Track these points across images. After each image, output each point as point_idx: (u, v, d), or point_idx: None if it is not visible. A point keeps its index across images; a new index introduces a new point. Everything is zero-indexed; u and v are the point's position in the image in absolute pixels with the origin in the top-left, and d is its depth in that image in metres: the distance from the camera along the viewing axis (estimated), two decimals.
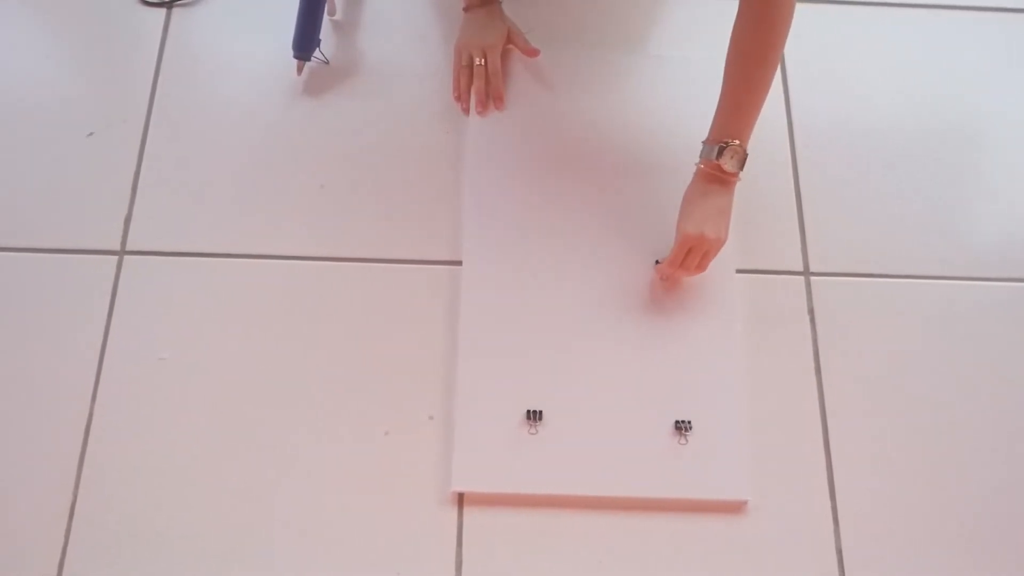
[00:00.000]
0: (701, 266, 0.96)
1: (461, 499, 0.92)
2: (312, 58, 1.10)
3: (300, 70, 1.10)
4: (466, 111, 1.09)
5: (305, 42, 1.09)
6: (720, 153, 0.92)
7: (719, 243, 0.94)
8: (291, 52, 1.09)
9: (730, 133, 0.92)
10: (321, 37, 1.10)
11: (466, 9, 1.10)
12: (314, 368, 0.97)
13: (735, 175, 0.93)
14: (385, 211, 1.05)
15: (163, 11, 1.16)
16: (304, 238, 1.03)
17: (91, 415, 0.94)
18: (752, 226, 1.05)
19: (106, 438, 0.93)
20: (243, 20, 1.16)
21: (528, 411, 0.93)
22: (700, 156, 0.95)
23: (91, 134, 1.08)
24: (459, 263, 1.01)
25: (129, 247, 1.02)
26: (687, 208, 0.95)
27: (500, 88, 1.08)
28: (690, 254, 0.95)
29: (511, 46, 1.11)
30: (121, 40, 1.14)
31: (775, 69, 0.93)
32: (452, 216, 1.04)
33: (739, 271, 1.02)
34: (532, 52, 1.10)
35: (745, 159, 0.93)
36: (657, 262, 1.00)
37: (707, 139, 0.94)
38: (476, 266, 1.00)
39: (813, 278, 1.04)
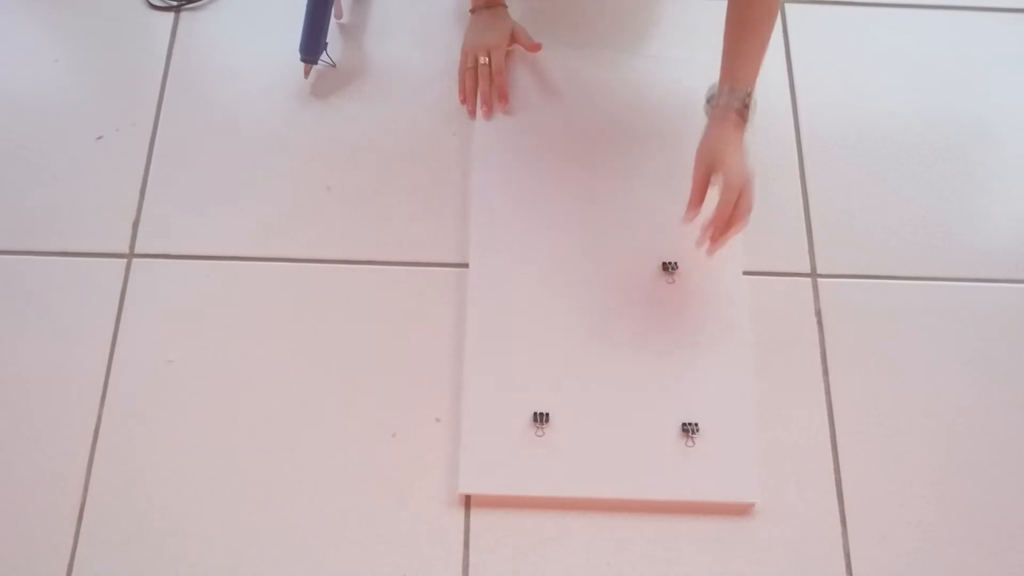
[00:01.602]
0: (749, 208, 0.94)
1: (468, 501, 0.92)
2: (319, 61, 1.10)
3: (307, 73, 1.11)
4: (472, 113, 1.09)
5: (312, 45, 1.09)
6: (733, 96, 0.93)
7: (752, 181, 0.94)
8: (298, 55, 1.09)
9: (739, 78, 0.94)
10: (328, 40, 1.10)
11: (472, 11, 1.11)
12: (321, 370, 0.97)
13: (746, 121, 0.95)
14: (392, 214, 1.05)
15: (171, 15, 1.16)
16: (311, 241, 1.03)
17: (100, 417, 0.94)
18: (759, 228, 1.04)
19: (115, 440, 0.94)
20: (250, 23, 1.16)
21: (535, 413, 0.94)
22: (711, 102, 0.98)
23: (100, 138, 1.08)
24: (466, 266, 1.01)
25: (138, 250, 1.03)
26: (720, 153, 0.94)
27: (504, 86, 1.09)
28: (741, 198, 0.93)
29: (516, 45, 1.11)
30: (129, 44, 1.15)
31: (776, 11, 0.95)
32: (459, 219, 1.04)
33: (746, 273, 1.02)
34: (534, 47, 1.11)
35: (753, 103, 0.95)
36: (664, 264, 1.00)
37: (719, 84, 0.96)
38: (483, 268, 1.01)
39: (820, 280, 1.04)
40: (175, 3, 1.17)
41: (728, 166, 0.93)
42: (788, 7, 1.19)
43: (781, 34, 1.17)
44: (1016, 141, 1.12)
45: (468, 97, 1.10)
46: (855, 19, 1.19)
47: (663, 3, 1.19)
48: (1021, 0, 1.21)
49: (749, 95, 0.94)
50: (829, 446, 0.95)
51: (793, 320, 1.01)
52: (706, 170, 0.94)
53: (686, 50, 1.14)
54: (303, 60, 1.10)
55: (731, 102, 0.94)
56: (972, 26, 1.19)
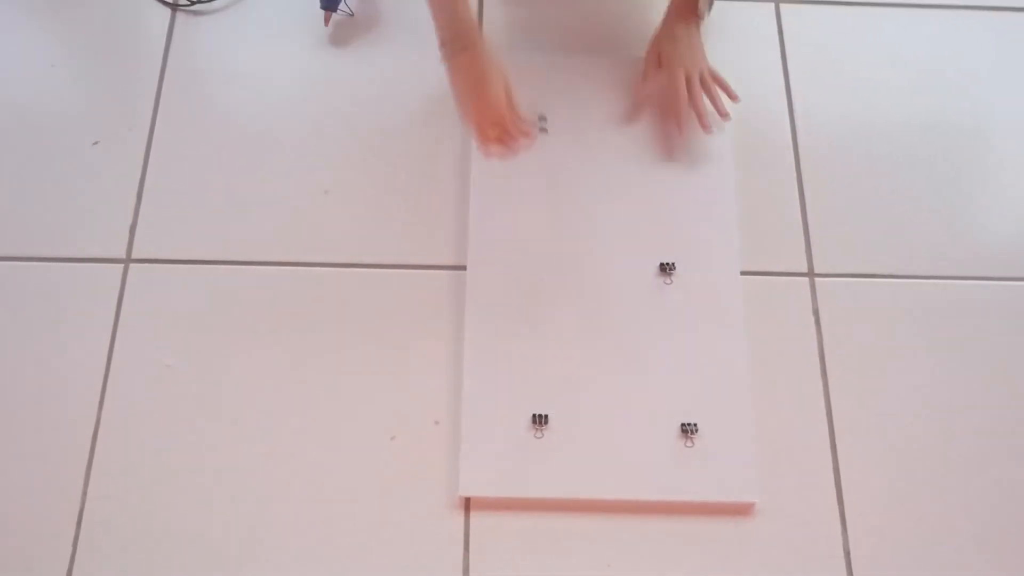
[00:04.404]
0: (710, 90, 1.04)
1: (468, 503, 0.92)
2: (339, 10, 1.13)
3: (327, 21, 1.14)
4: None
5: None
6: None
7: (706, 61, 1.05)
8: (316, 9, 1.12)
9: None
10: None
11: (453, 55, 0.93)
12: (320, 374, 0.97)
13: (703, 18, 1.06)
14: (389, 217, 1.05)
15: (167, 20, 1.16)
16: (309, 244, 1.03)
17: (98, 422, 0.94)
18: (756, 228, 1.05)
19: (113, 445, 0.93)
20: (246, 28, 1.16)
21: (534, 415, 0.93)
22: None
23: (96, 143, 1.08)
24: (464, 268, 1.01)
25: (135, 255, 1.02)
26: (675, 41, 1.04)
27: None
28: (691, 82, 1.03)
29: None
30: (125, 49, 1.15)
31: None
32: (457, 221, 1.04)
33: (743, 273, 1.02)
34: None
35: (713, 3, 1.06)
36: (661, 265, 1.00)
37: None
38: (481, 271, 1.01)
39: (817, 279, 1.04)
40: (185, 2, 1.17)
41: (681, 54, 1.04)
42: (783, 7, 1.19)
43: (776, 34, 1.17)
44: (1012, 139, 1.12)
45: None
46: (850, 19, 1.20)
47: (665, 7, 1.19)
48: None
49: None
50: (828, 445, 0.95)
51: (791, 320, 1.01)
52: (656, 54, 1.05)
53: None
54: (323, 7, 1.12)
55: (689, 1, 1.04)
56: (968, 25, 1.20)
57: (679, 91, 1.04)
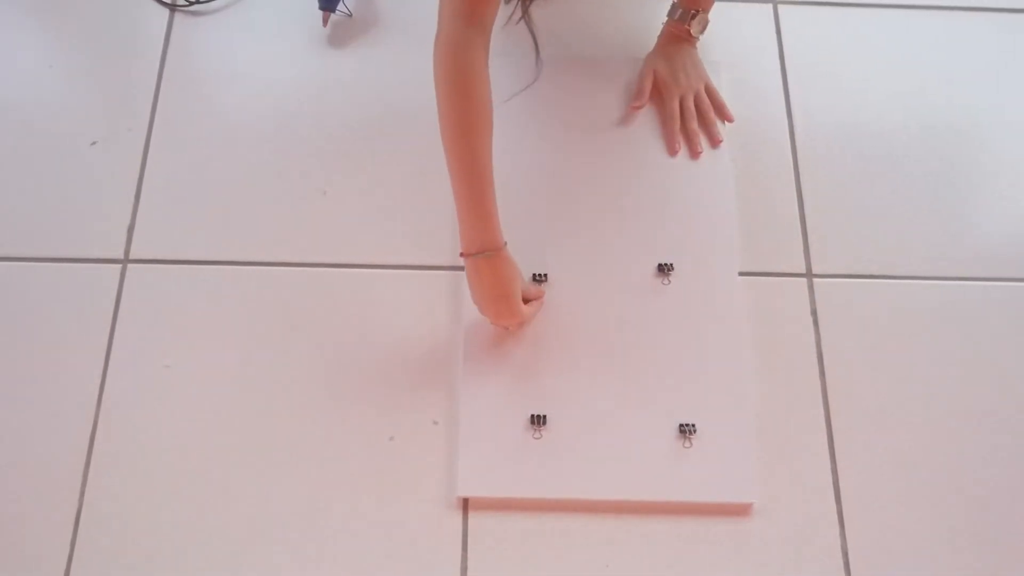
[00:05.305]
0: (705, 115, 1.07)
1: (466, 504, 0.92)
2: (337, 11, 1.13)
3: (326, 22, 1.14)
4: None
5: None
6: (692, 18, 1.06)
7: (701, 81, 1.08)
8: (315, 11, 1.13)
9: (698, 4, 1.07)
10: None
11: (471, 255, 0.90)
12: (319, 374, 0.97)
13: (697, 39, 1.09)
14: (388, 217, 1.05)
15: (165, 20, 1.16)
16: (307, 245, 1.03)
17: (96, 423, 0.94)
18: (754, 229, 1.05)
19: (111, 446, 0.93)
20: (244, 28, 1.16)
21: (532, 415, 0.93)
22: (668, 16, 1.09)
23: (95, 143, 1.08)
24: (462, 268, 1.01)
25: (132, 255, 1.02)
26: (663, 64, 1.08)
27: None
28: (685, 107, 1.07)
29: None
30: (124, 49, 1.15)
31: None
32: (455, 222, 1.04)
33: (742, 274, 1.02)
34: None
35: (707, 25, 1.08)
36: (660, 265, 1.00)
37: (679, 4, 1.08)
38: None
39: (816, 280, 1.04)
40: (183, 3, 1.17)
41: (676, 76, 1.07)
42: (781, 8, 1.20)
43: (774, 35, 1.18)
44: (1009, 140, 1.12)
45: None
46: (848, 19, 1.20)
47: (663, 9, 1.19)
48: (1013, 0, 1.21)
49: (705, 19, 1.07)
50: (826, 446, 0.96)
51: (789, 320, 1.01)
52: (651, 72, 1.08)
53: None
54: (321, 8, 1.12)
55: (692, 23, 1.06)
56: (964, 26, 1.20)
57: (671, 117, 1.07)
